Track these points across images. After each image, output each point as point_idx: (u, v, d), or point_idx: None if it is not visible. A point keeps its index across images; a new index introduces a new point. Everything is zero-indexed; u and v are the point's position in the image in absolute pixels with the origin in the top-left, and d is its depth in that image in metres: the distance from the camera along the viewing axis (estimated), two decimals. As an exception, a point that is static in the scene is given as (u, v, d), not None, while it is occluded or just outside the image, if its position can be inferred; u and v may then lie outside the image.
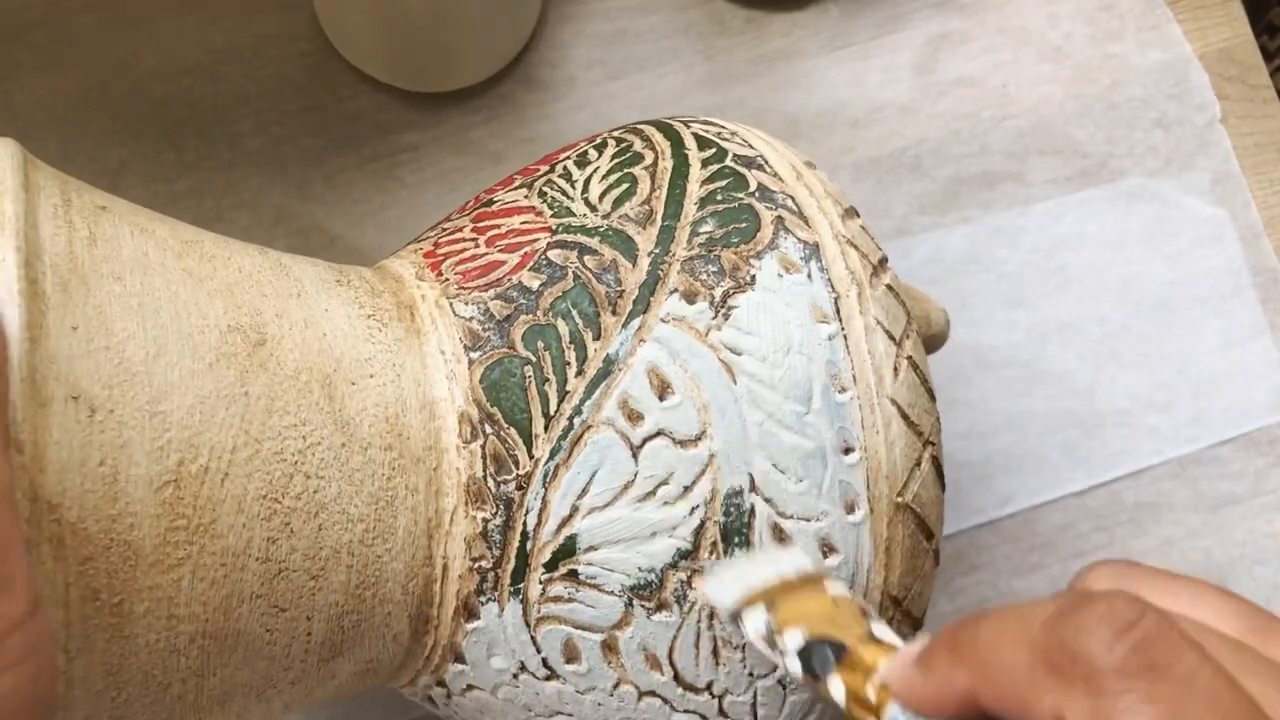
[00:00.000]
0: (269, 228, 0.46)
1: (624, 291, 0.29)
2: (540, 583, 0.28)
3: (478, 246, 0.31)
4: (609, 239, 0.30)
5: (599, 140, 0.35)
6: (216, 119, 0.47)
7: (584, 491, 0.28)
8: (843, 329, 0.29)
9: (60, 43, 0.48)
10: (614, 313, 0.29)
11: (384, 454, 0.28)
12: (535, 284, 0.30)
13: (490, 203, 0.34)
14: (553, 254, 0.30)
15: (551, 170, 0.34)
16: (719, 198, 0.31)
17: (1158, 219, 0.50)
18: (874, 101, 0.50)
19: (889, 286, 0.31)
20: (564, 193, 0.32)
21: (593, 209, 0.31)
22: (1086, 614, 0.19)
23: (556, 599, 0.29)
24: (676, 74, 0.49)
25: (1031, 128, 0.50)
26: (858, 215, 0.32)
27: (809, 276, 0.30)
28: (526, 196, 0.33)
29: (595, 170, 0.33)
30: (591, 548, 0.28)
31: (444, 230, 0.34)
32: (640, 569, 0.28)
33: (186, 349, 0.25)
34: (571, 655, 0.29)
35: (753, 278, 0.29)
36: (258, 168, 0.47)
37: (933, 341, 0.36)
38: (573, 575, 0.28)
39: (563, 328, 0.29)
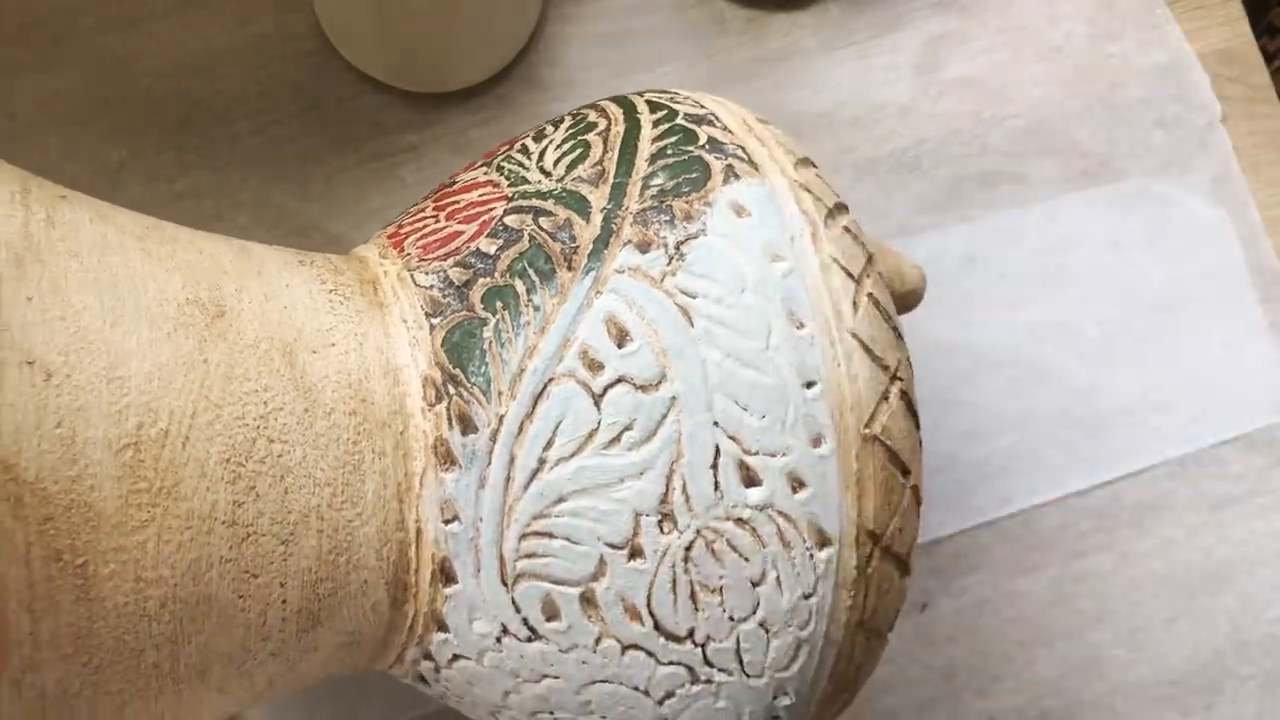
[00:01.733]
0: (269, 228, 0.46)
1: (579, 247, 0.29)
2: (514, 539, 0.28)
3: (437, 221, 0.32)
4: (562, 199, 0.30)
5: (558, 118, 0.35)
6: (216, 119, 0.47)
7: (549, 443, 0.28)
8: (798, 266, 0.29)
9: (60, 43, 0.47)
10: (570, 268, 0.29)
11: (348, 419, 0.28)
12: (492, 248, 0.30)
13: (452, 183, 0.34)
14: (509, 219, 0.30)
15: (510, 147, 0.34)
16: (669, 152, 0.31)
17: (1158, 219, 0.49)
18: (874, 101, 0.50)
19: (846, 228, 0.31)
20: (520, 164, 0.32)
21: (547, 175, 0.31)
22: None
23: (531, 555, 0.28)
24: (677, 74, 0.49)
25: (1032, 128, 0.50)
26: (813, 165, 0.32)
27: (761, 219, 0.30)
28: (486, 173, 0.33)
29: (550, 141, 0.33)
30: (561, 499, 0.28)
31: (408, 213, 0.34)
32: (610, 516, 0.28)
33: (144, 319, 0.25)
34: (551, 612, 0.29)
35: (705, 224, 0.29)
36: (257, 168, 0.47)
37: (908, 299, 0.36)
38: (545, 529, 0.28)
39: (520, 286, 0.29)
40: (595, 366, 0.28)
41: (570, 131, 0.33)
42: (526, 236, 0.30)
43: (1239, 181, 0.49)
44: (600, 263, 0.29)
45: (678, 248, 0.29)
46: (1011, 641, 0.46)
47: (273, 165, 0.47)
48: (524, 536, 0.28)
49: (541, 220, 0.30)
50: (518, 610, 0.29)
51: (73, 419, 0.23)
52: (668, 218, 0.29)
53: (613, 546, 0.28)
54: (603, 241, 0.29)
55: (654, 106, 0.33)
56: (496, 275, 0.29)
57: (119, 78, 0.47)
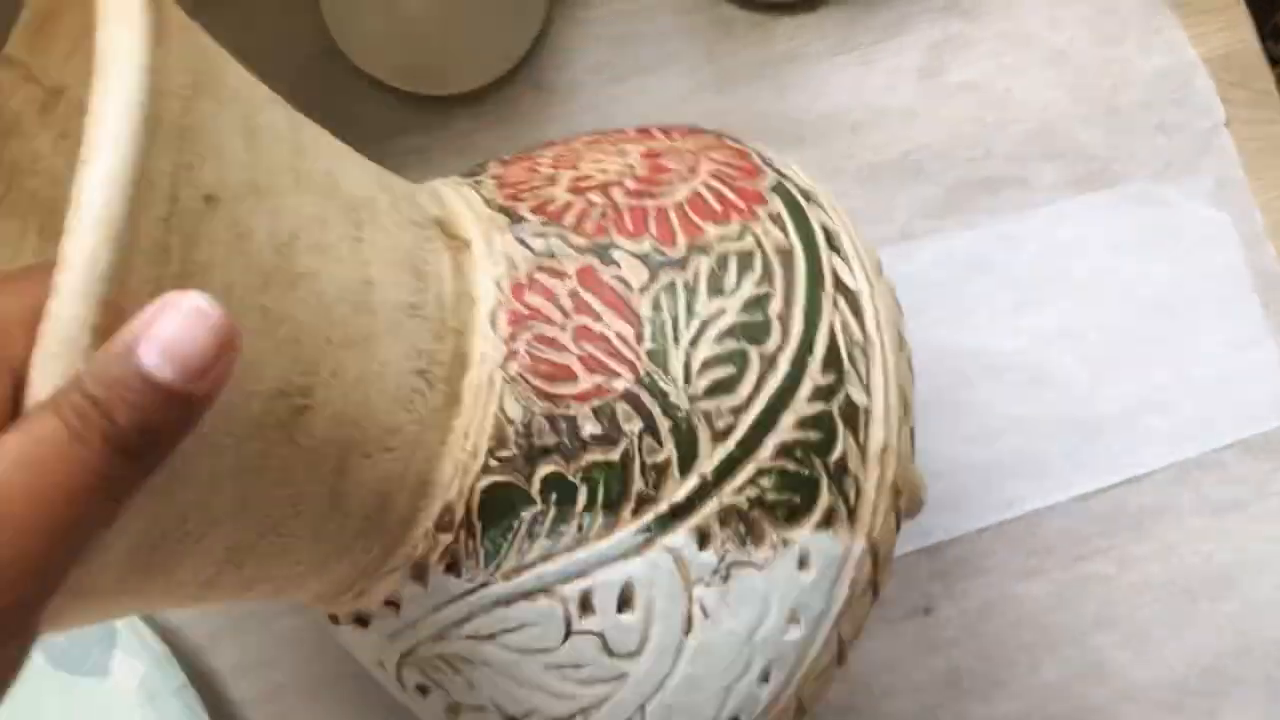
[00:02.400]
0: (274, 230, 0.46)
1: (655, 499, 0.28)
2: (415, 664, 0.30)
3: (564, 330, 0.28)
4: (678, 432, 0.28)
5: (747, 241, 0.30)
6: (221, 121, 0.47)
7: (504, 633, 0.28)
8: (807, 637, 0.29)
9: (66, 45, 0.47)
10: (635, 512, 0.28)
11: (361, 522, 0.27)
12: (587, 429, 0.28)
13: (609, 248, 0.29)
14: (621, 407, 0.28)
15: (682, 266, 0.29)
16: (798, 454, 0.29)
17: (1161, 223, 0.49)
18: (878, 105, 0.49)
19: (872, 590, 0.31)
20: (674, 326, 0.29)
21: (687, 380, 0.28)
22: None
23: (426, 677, 0.30)
24: (682, 77, 0.48)
25: (1035, 132, 0.49)
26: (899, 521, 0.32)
27: (815, 584, 0.29)
28: (642, 283, 0.29)
29: (719, 315, 0.29)
30: (475, 664, 0.28)
31: (546, 256, 0.29)
32: (510, 705, 0.29)
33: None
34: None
35: (766, 561, 0.28)
36: (263, 170, 0.47)
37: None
38: (447, 667, 0.29)
39: (582, 496, 0.27)
40: (587, 609, 0.28)
41: (741, 321, 0.29)
42: (622, 449, 0.28)
43: (1241, 185, 0.49)
44: (660, 530, 0.28)
45: (729, 569, 0.28)
46: (1015, 646, 0.46)
47: (277, 167, 0.47)
48: (429, 664, 0.29)
49: (646, 441, 0.28)
50: (400, 681, 0.31)
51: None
52: (744, 530, 0.28)
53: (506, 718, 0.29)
54: (676, 512, 0.28)
55: (831, 348, 0.30)
56: (570, 465, 0.27)
57: (124, 80, 0.47)
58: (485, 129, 0.47)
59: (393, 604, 0.29)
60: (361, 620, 0.30)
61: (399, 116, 0.47)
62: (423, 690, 0.30)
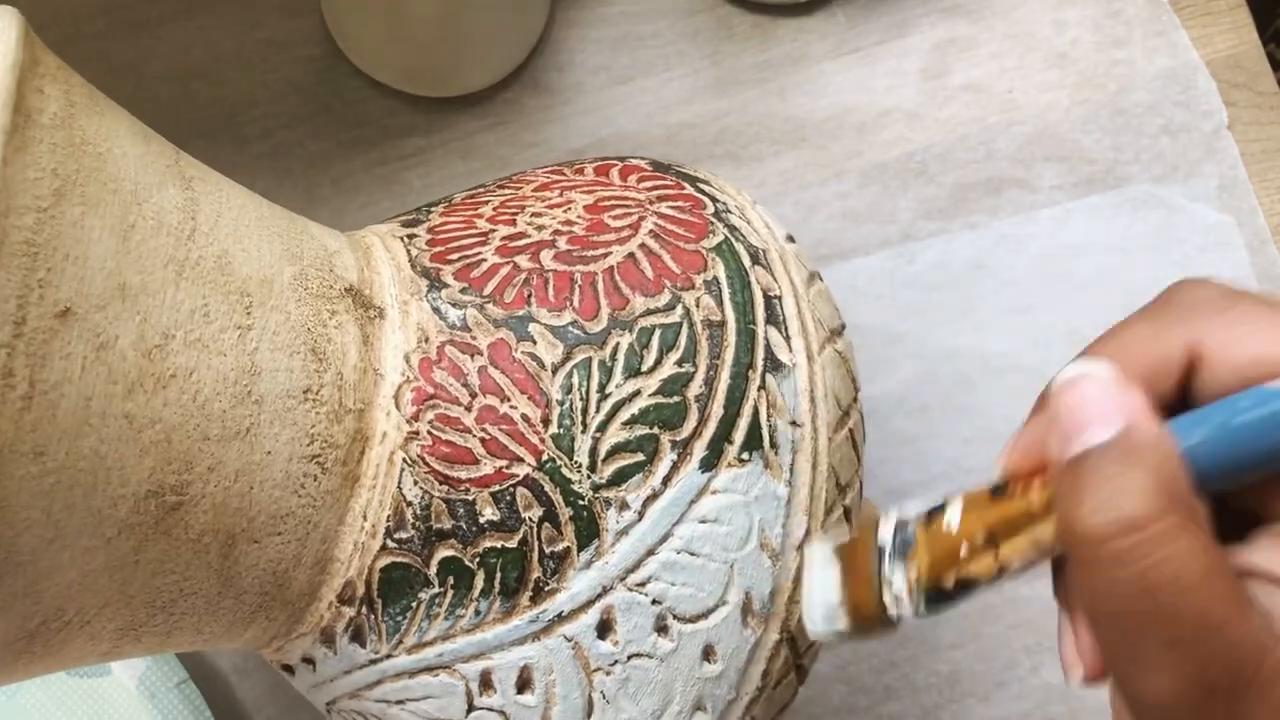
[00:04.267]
0: (276, 231, 0.46)
1: (552, 592, 0.26)
2: (348, 708, 0.29)
3: (469, 410, 0.27)
4: (579, 521, 0.26)
5: (674, 314, 0.28)
6: (224, 123, 0.46)
7: (411, 701, 0.27)
8: None
9: (68, 48, 0.47)
10: (532, 600, 0.26)
11: (259, 598, 0.26)
12: (485, 515, 0.26)
13: (527, 321, 0.27)
14: (522, 493, 0.26)
15: (601, 343, 0.27)
16: (707, 548, 0.27)
17: (1164, 225, 0.48)
18: (880, 107, 0.48)
19: (796, 673, 0.29)
20: (583, 410, 0.27)
21: (592, 467, 0.27)
22: None
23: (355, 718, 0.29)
24: (683, 79, 0.48)
25: (1038, 134, 0.48)
26: None
27: (721, 670, 0.28)
28: (555, 361, 0.27)
29: (633, 398, 0.27)
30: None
31: (460, 329, 0.27)
32: None
33: (88, 529, 0.22)
34: None
35: (668, 653, 0.27)
36: (265, 171, 0.46)
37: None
38: (369, 719, 0.29)
39: (479, 581, 0.26)
40: (487, 686, 0.27)
41: (653, 403, 0.27)
42: (520, 537, 0.26)
43: (1245, 187, 0.48)
44: (558, 619, 0.26)
45: (630, 659, 0.27)
46: (1016, 647, 0.45)
47: (280, 169, 0.47)
48: (351, 716, 0.29)
49: (545, 529, 0.26)
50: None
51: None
52: (646, 623, 0.27)
53: None
54: (575, 600, 0.26)
55: (751, 436, 0.27)
56: (468, 550, 0.26)
57: (127, 82, 0.47)
58: (486, 130, 0.47)
59: (309, 661, 0.28)
60: (287, 669, 0.29)
61: (400, 118, 0.47)
62: None
